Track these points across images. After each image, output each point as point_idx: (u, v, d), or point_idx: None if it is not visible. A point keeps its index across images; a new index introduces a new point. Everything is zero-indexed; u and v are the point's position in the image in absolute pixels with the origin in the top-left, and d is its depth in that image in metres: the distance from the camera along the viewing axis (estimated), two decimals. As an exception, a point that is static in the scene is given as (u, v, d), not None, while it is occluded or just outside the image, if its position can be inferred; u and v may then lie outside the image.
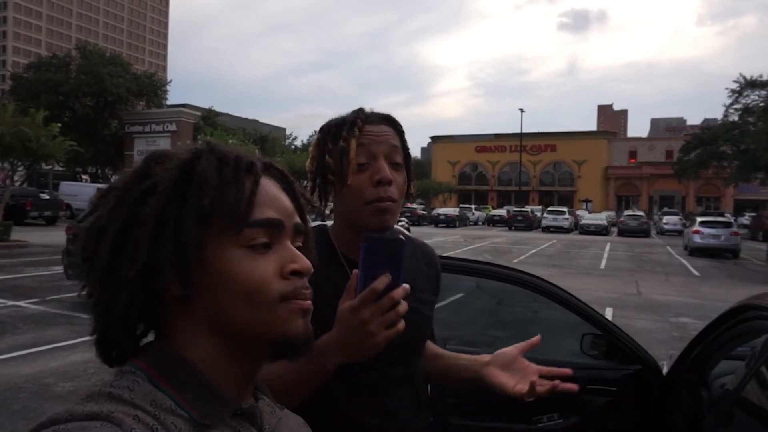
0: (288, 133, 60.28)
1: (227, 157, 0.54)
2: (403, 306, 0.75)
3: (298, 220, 0.58)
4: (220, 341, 0.53)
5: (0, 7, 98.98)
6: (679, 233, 27.98)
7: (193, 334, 0.53)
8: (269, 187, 0.56)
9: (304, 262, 0.55)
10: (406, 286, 0.75)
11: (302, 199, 0.60)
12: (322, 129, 1.00)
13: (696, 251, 18.43)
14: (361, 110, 0.99)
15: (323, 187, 0.98)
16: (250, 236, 0.52)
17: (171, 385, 0.50)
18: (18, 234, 14.95)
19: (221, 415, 0.51)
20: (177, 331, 0.53)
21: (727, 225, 18.80)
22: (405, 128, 1.03)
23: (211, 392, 0.52)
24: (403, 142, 1.00)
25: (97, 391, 0.48)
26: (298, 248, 0.57)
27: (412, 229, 22.46)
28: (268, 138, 45.03)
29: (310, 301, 0.55)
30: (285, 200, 0.57)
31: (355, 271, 0.77)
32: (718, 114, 33.67)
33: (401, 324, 0.76)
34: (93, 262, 0.52)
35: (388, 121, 1.00)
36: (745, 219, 36.15)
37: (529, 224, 31.90)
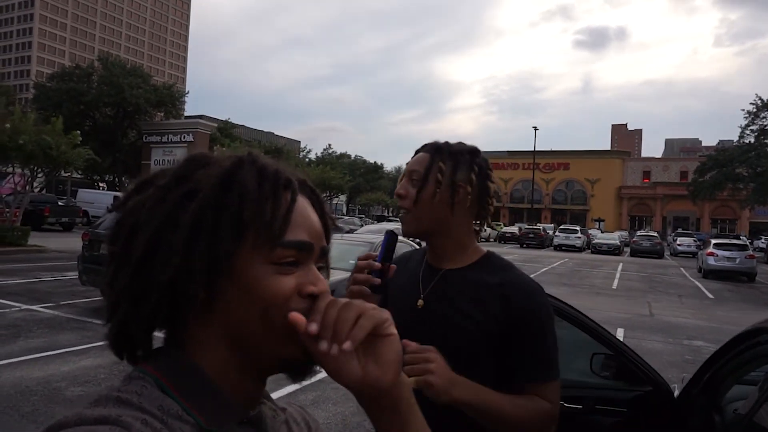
0: (303, 145, 61.25)
1: (267, 171, 0.54)
2: (363, 276, 1.04)
3: (324, 243, 0.58)
4: (235, 353, 0.53)
5: (26, 18, 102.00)
6: (693, 255, 27.55)
7: (208, 342, 0.53)
8: (303, 206, 0.56)
9: (323, 286, 0.55)
10: (373, 263, 1.05)
11: (329, 219, 0.60)
12: None
13: (710, 273, 18.11)
14: (428, 143, 1.26)
15: None
16: (281, 255, 0.52)
17: (179, 391, 0.50)
18: (35, 239, 15.22)
19: (228, 422, 0.52)
20: (192, 338, 0.53)
21: (742, 248, 18.49)
22: (418, 143, 1.27)
23: (220, 400, 0.52)
24: (434, 162, 1.20)
25: (105, 395, 0.48)
26: (319, 269, 0.57)
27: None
28: (283, 150, 45.45)
29: None
30: (316, 221, 0.57)
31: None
32: (733, 135, 33.21)
33: (362, 288, 1.04)
34: (123, 257, 0.52)
35: (426, 148, 1.25)
36: (762, 242, 35.49)
37: (541, 242, 31.62)
